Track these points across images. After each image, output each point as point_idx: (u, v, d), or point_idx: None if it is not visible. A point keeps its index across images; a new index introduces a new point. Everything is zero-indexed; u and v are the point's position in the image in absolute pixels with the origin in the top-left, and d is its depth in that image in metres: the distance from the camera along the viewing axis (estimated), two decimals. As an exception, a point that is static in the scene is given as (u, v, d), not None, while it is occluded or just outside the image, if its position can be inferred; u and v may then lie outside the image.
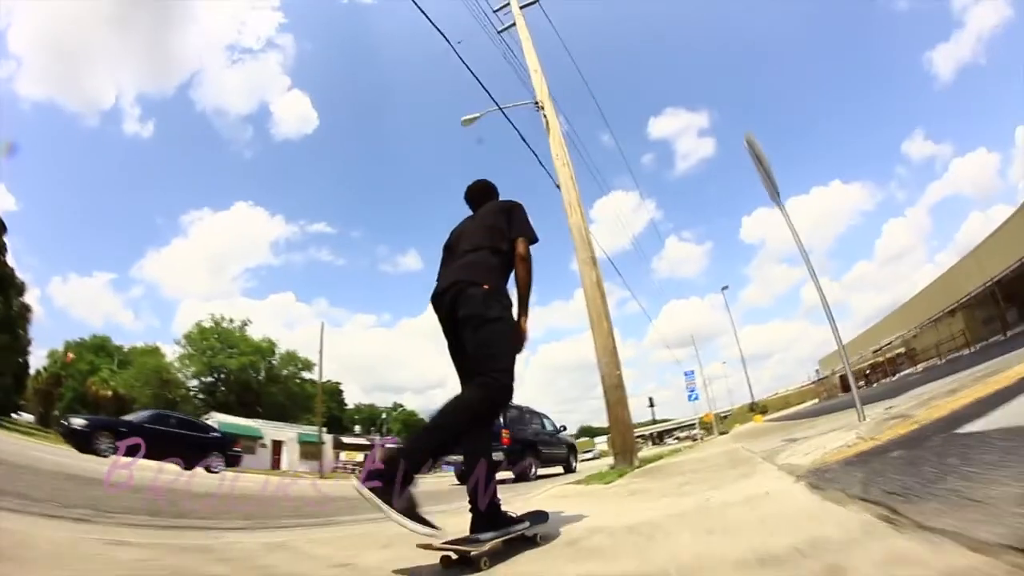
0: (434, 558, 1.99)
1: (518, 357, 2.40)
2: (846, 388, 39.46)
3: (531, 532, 2.30)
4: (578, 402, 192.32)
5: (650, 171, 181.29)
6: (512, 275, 2.57)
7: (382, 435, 64.23)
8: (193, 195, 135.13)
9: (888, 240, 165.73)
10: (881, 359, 37.24)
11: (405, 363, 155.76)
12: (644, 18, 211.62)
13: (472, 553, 1.93)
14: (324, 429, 43.48)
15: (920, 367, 30.20)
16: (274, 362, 53.87)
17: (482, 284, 2.38)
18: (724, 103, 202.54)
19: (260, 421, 41.57)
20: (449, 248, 2.79)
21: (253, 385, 50.79)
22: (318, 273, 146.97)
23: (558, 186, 9.19)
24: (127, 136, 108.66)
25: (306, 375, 56.10)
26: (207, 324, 50.01)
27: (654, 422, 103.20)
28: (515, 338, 2.40)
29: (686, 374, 30.19)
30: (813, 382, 63.16)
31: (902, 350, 35.31)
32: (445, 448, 2.12)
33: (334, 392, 69.51)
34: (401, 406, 74.46)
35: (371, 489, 1.84)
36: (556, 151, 9.46)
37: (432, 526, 1.88)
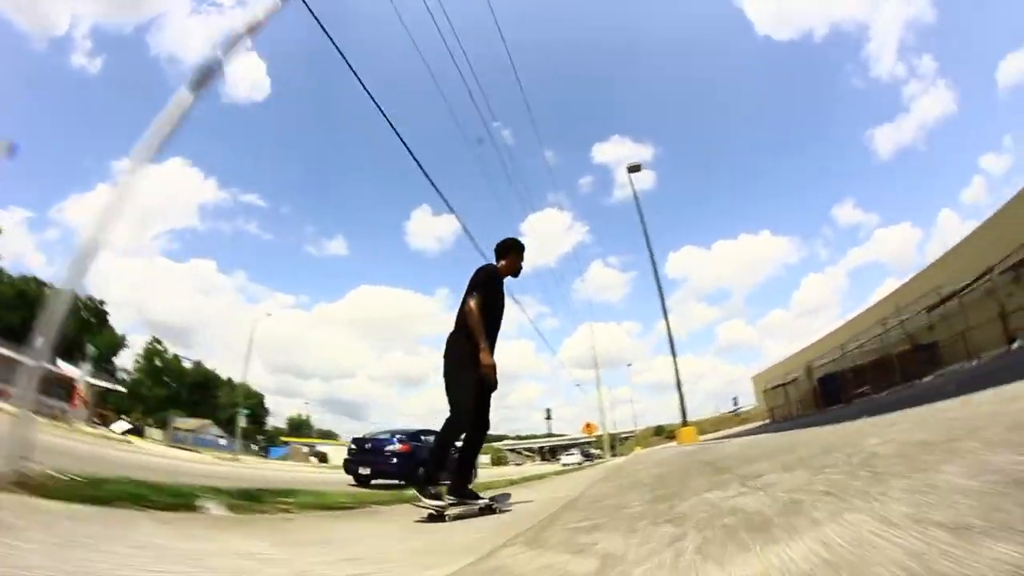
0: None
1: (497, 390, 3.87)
2: (833, 399, 24.25)
3: (495, 505, 3.80)
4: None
5: (587, 194, 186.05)
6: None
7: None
8: (128, 142, 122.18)
9: (805, 293, 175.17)
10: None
11: (317, 349, 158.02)
12: (610, 47, 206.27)
13: (444, 512, 3.33)
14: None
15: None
16: None
17: (448, 358, 3.80)
18: (671, 140, 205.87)
19: None
20: None
21: None
22: (243, 245, 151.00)
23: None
24: (73, 68, 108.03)
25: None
26: None
27: (549, 435, 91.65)
28: (484, 373, 3.66)
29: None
30: (733, 410, 49.58)
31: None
32: (441, 463, 3.56)
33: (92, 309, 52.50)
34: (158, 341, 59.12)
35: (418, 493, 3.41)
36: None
37: (440, 500, 3.41)
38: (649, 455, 16.20)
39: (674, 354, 21.67)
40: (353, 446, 12.81)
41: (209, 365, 70.79)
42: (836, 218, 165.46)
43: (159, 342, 60.65)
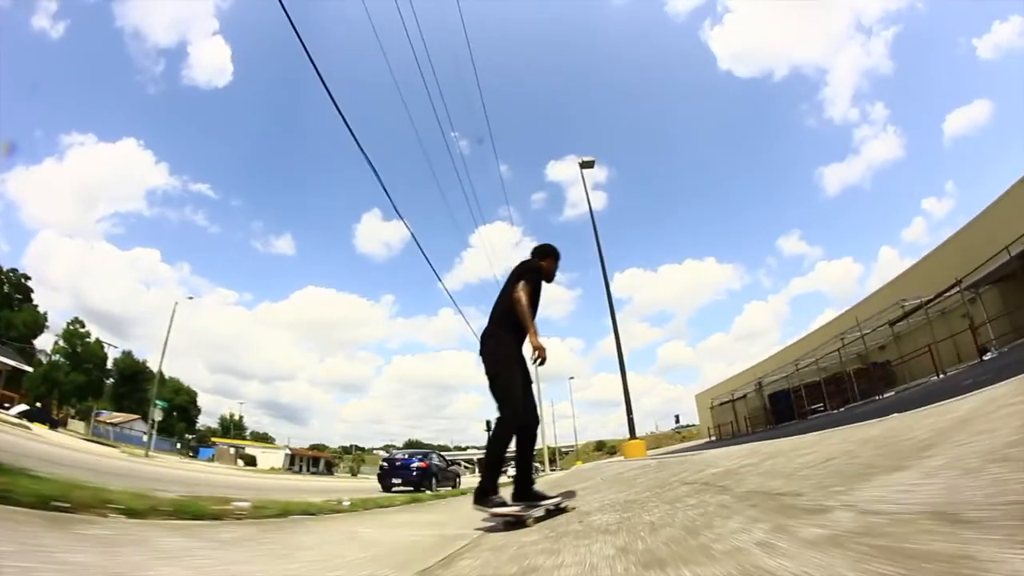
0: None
1: (544, 367, 4.07)
2: (785, 416, 23.66)
3: (563, 504, 3.70)
4: (423, 419, 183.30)
5: (538, 210, 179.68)
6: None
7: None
8: (81, 116, 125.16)
9: (747, 318, 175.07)
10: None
11: (258, 349, 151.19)
12: (572, 69, 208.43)
13: (524, 518, 3.26)
14: None
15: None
16: None
17: (489, 357, 3.78)
18: (625, 164, 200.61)
19: None
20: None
21: None
22: (189, 235, 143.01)
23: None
24: (33, 30, 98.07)
25: None
26: None
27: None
28: (538, 355, 3.69)
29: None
30: (677, 427, 49.95)
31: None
32: (498, 468, 3.58)
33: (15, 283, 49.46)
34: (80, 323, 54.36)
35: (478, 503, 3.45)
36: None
37: (510, 505, 3.42)
38: (596, 469, 14.98)
39: (622, 365, 20.31)
40: (385, 464, 17.67)
41: (149, 359, 66.12)
42: (781, 248, 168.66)
43: (81, 324, 55.75)
